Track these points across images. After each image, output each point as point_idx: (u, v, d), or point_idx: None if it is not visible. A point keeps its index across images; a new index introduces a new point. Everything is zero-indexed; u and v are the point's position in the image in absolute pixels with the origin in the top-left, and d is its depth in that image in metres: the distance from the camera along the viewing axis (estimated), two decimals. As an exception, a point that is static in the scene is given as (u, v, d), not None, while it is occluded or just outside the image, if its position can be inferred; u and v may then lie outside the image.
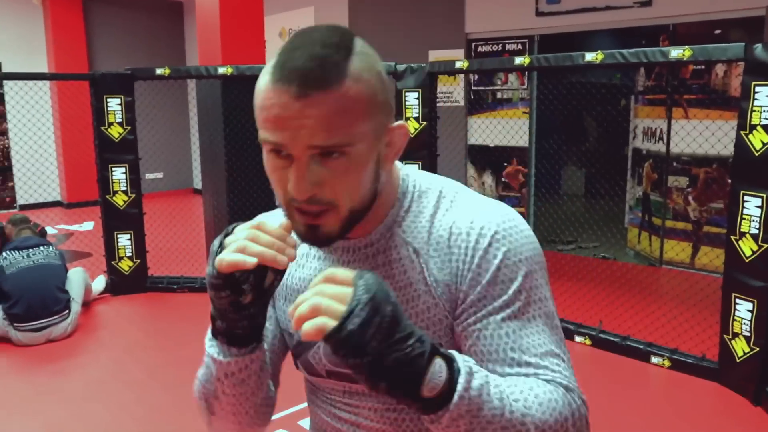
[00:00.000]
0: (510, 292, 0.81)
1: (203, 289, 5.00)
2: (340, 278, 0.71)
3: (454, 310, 0.84)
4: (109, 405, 3.26)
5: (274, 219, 0.93)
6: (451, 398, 0.70)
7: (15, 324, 3.91)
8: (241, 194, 5.28)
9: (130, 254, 4.95)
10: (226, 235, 0.79)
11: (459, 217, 0.85)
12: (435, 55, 6.30)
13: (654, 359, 3.58)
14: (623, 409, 3.13)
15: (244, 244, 0.75)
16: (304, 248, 0.94)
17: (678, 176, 5.32)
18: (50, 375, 3.62)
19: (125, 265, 4.95)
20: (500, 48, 6.32)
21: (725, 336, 3.27)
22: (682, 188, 5.31)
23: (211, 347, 0.87)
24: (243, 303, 0.78)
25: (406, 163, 0.94)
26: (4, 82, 8.29)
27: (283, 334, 1.00)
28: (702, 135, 4.28)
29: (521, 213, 6.30)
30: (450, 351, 0.74)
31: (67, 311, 4.08)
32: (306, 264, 0.94)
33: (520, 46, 6.20)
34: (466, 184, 4.38)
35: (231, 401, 0.88)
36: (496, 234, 0.82)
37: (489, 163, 6.56)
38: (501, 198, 6.43)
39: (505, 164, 6.42)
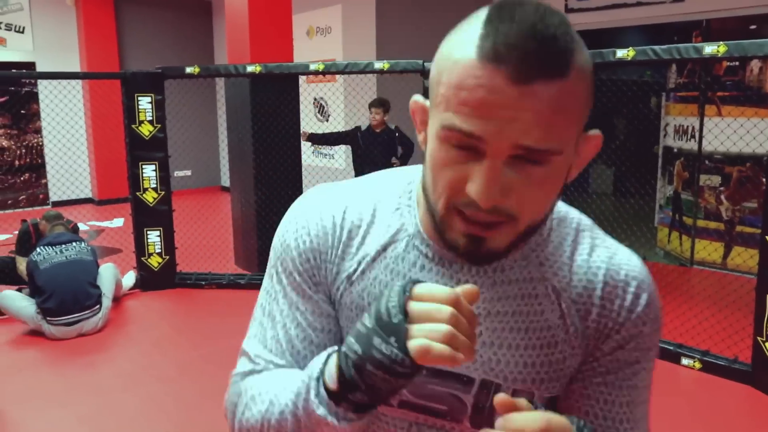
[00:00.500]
0: (644, 360, 0.76)
1: (230, 286, 5.04)
2: (558, 428, 0.60)
3: (582, 363, 0.77)
4: (138, 397, 3.31)
5: (355, 204, 0.79)
6: None
7: (48, 318, 3.99)
8: (268, 192, 5.32)
9: (160, 251, 5.01)
10: (406, 297, 0.61)
11: (610, 264, 0.75)
12: (462, 53, 6.27)
13: (684, 361, 3.52)
14: (652, 411, 3.07)
15: (453, 332, 0.58)
16: (398, 248, 0.76)
17: (710, 175, 5.22)
18: (81, 368, 3.69)
19: (155, 261, 5.02)
20: (528, 45, 6.26)
21: (759, 338, 3.20)
22: (715, 187, 5.21)
23: (319, 407, 0.66)
24: (402, 385, 0.63)
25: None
26: (39, 81, 8.47)
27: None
28: (736, 133, 4.18)
29: (549, 212, 6.26)
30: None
31: (98, 306, 4.15)
32: (402, 271, 0.76)
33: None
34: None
35: None
36: (650, 296, 0.75)
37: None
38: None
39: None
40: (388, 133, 5.52)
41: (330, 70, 4.85)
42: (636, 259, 0.78)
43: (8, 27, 8.54)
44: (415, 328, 0.59)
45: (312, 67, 4.75)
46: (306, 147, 5.75)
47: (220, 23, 9.71)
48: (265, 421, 0.74)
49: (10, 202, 8.75)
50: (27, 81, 8.60)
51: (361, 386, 0.63)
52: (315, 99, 8.22)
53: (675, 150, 5.59)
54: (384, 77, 6.54)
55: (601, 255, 0.76)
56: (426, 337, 0.58)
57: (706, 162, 5.22)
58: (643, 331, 0.74)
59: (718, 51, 3.22)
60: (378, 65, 4.59)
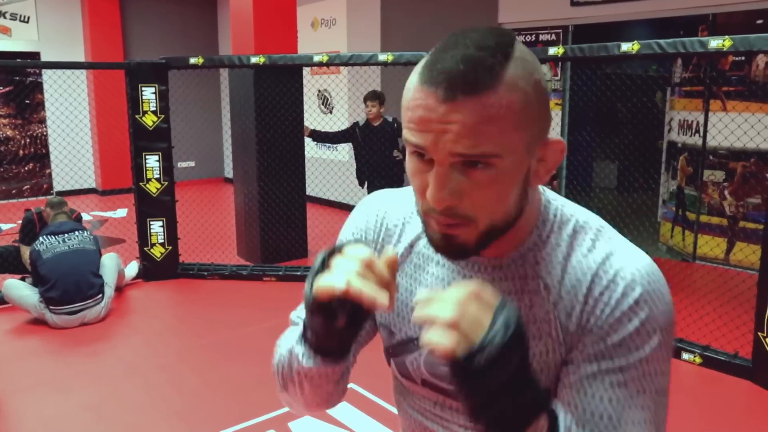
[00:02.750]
0: (632, 359, 0.76)
1: (233, 276, 5.06)
2: (485, 299, 0.67)
3: (566, 357, 0.80)
4: (140, 386, 3.33)
5: (397, 208, 0.93)
6: None
7: (51, 307, 4.01)
8: (271, 183, 5.33)
9: (162, 241, 5.03)
10: (331, 254, 0.75)
11: (602, 264, 0.78)
12: (467, 46, 6.25)
13: (685, 356, 3.52)
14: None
15: (350, 276, 0.70)
16: (420, 246, 0.89)
17: (714, 170, 5.21)
18: (84, 357, 3.71)
19: (157, 252, 5.04)
20: (534, 38, 6.25)
21: (760, 334, 3.20)
22: (718, 182, 5.19)
23: (297, 345, 0.84)
24: (335, 327, 0.76)
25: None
26: (43, 71, 8.48)
27: (376, 327, 0.96)
28: (741, 128, 4.17)
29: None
30: (554, 408, 0.73)
31: (100, 296, 4.17)
32: (422, 265, 0.89)
33: (554, 37, 6.12)
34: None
35: (305, 393, 0.88)
36: (642, 296, 0.76)
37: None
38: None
39: (537, 156, 6.34)
40: (387, 126, 5.49)
41: (334, 62, 4.85)
42: (638, 262, 0.78)
43: (13, 17, 8.54)
44: (325, 273, 0.73)
45: (316, 58, 4.74)
46: (309, 139, 5.73)
47: (225, 14, 9.69)
48: (280, 363, 0.91)
49: (14, 191, 8.78)
50: (32, 71, 8.61)
51: (307, 325, 0.80)
52: (319, 91, 8.21)
53: (679, 145, 5.57)
54: (388, 69, 6.53)
55: (596, 255, 0.79)
56: (326, 278, 0.72)
57: (710, 157, 5.21)
58: (628, 329, 0.75)
59: (723, 45, 3.20)
60: (382, 57, 4.58)
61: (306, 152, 5.64)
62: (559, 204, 0.84)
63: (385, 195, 0.98)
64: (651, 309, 0.76)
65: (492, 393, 0.66)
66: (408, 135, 0.72)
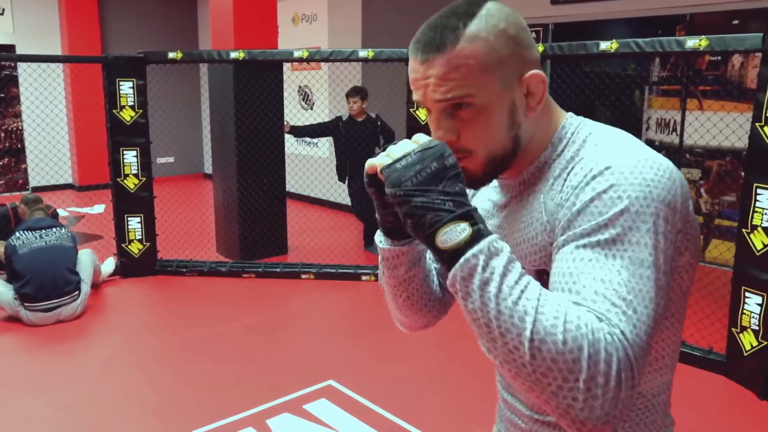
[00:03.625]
0: (594, 222, 0.77)
1: (212, 273, 5.03)
2: (418, 140, 0.82)
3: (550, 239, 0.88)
4: (116, 384, 3.29)
5: None
6: (458, 258, 0.74)
7: (26, 304, 3.95)
8: (251, 179, 5.29)
9: (140, 237, 4.98)
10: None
11: (590, 154, 0.85)
12: (448, 43, 6.25)
13: (661, 351, 3.56)
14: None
15: (395, 150, 0.82)
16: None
17: (690, 168, 5.27)
18: (59, 355, 3.66)
19: (135, 248, 4.98)
20: (514, 36, 6.27)
21: (733, 329, 3.25)
22: (695, 180, 5.26)
23: (378, 234, 0.98)
24: (387, 201, 0.88)
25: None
26: (19, 64, 8.33)
27: None
28: (716, 126, 4.22)
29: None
30: (491, 233, 0.77)
31: (77, 292, 4.11)
32: (485, 191, 1.05)
33: (534, 35, 6.12)
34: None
35: (390, 283, 1.00)
36: (611, 168, 0.79)
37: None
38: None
39: (517, 154, 6.38)
40: (370, 122, 5.49)
41: (314, 58, 4.82)
42: (630, 154, 0.81)
43: (-13, 8, 8.38)
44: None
45: (296, 54, 4.72)
46: (289, 135, 5.71)
47: (205, 9, 9.60)
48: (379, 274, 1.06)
49: (-12, 186, 8.63)
50: (7, 64, 8.45)
51: (376, 206, 0.93)
52: (299, 87, 8.17)
53: (657, 143, 5.63)
54: (369, 66, 6.52)
55: (595, 152, 0.85)
56: (371, 159, 0.86)
57: (687, 155, 5.27)
58: (590, 194, 0.79)
59: (699, 45, 3.24)
60: (363, 53, 4.57)
61: (286, 148, 5.61)
62: (581, 125, 0.92)
63: None
64: (621, 178, 0.78)
65: (409, 191, 0.77)
66: (413, 94, 0.90)
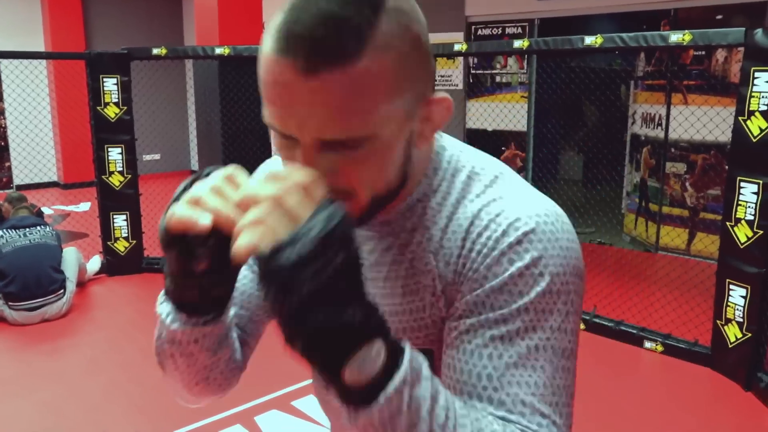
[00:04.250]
0: (514, 306, 0.64)
1: (199, 271, 5.00)
2: (312, 193, 0.56)
3: (447, 313, 0.69)
4: (103, 384, 3.27)
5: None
6: (376, 396, 0.54)
7: (10, 303, 3.91)
8: (237, 176, 5.27)
9: (126, 235, 4.94)
10: (195, 181, 0.63)
11: (487, 205, 0.68)
12: (434, 38, 6.22)
13: (647, 344, 3.59)
14: (616, 393, 3.14)
15: (204, 198, 0.59)
16: None
17: (676, 162, 5.31)
18: (45, 354, 3.63)
19: (121, 246, 4.95)
20: (500, 31, 6.28)
21: (718, 321, 3.28)
22: (680, 174, 5.30)
23: (161, 304, 0.71)
24: (194, 270, 0.62)
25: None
26: (0, 61, 8.23)
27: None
28: (700, 121, 4.26)
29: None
30: (405, 343, 0.58)
31: (62, 291, 4.08)
32: None
33: (520, 30, 6.16)
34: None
35: (179, 368, 0.74)
36: (528, 235, 0.65)
37: (487, 148, 6.47)
38: (498, 182, 6.42)
39: (503, 149, 6.40)
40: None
41: (300, 54, 4.80)
42: (533, 204, 0.68)
43: (-32, 4, 8.27)
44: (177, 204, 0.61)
45: (282, 50, 4.70)
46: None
47: (190, 4, 9.52)
48: (156, 335, 0.76)
49: (-29, 185, 8.53)
50: (-12, 61, 8.35)
51: (165, 270, 0.66)
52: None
53: (642, 137, 5.67)
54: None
55: (484, 198, 0.69)
56: (178, 205, 0.61)
57: (672, 150, 5.31)
58: (509, 270, 0.64)
59: (683, 39, 3.26)
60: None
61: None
62: (456, 151, 0.75)
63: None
64: (539, 250, 0.64)
65: (302, 301, 0.52)
66: (268, 117, 0.62)
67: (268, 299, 0.54)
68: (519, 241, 0.64)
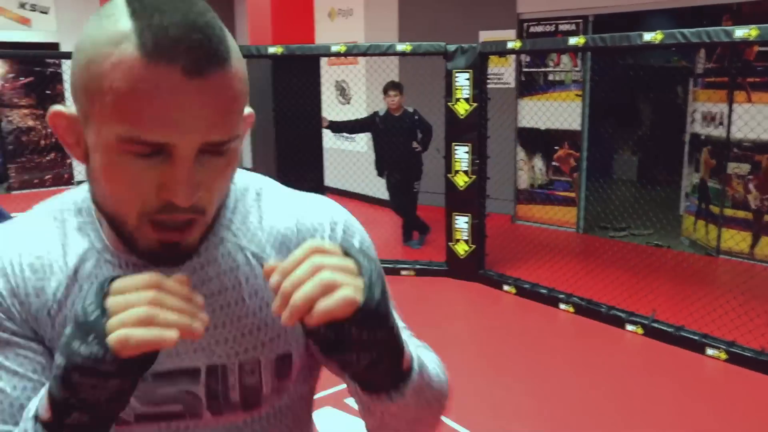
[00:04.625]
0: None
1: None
2: (329, 248, 0.58)
3: None
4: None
5: (28, 243, 0.71)
6: (411, 370, 0.67)
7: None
8: (290, 173, 5.32)
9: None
10: (104, 294, 0.56)
11: (298, 212, 0.78)
12: (486, 36, 6.18)
13: (710, 351, 3.46)
14: (675, 401, 3.04)
15: (153, 313, 0.54)
16: (88, 267, 0.70)
17: (739, 163, 5.11)
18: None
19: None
20: (553, 28, 6.16)
21: (787, 329, 3.14)
22: (743, 175, 5.10)
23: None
24: (128, 390, 0.57)
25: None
26: (63, 61, 8.53)
27: None
28: (767, 119, 4.08)
29: (572, 198, 6.19)
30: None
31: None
32: (87, 257, 0.71)
33: (573, 27, 6.02)
34: (515, 168, 4.30)
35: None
36: (346, 223, 0.81)
37: (540, 147, 6.42)
38: (551, 182, 6.32)
39: (556, 148, 6.28)
40: (407, 117, 5.47)
41: (352, 52, 4.82)
42: (325, 201, 0.83)
43: (32, 7, 8.60)
44: (112, 320, 0.54)
45: (333, 49, 4.72)
46: (327, 130, 5.73)
47: (242, 4, 9.68)
48: None
49: (36, 181, 8.86)
50: (52, 61, 8.66)
51: (75, 402, 0.56)
52: (336, 82, 8.18)
53: (702, 137, 5.48)
54: (406, 60, 6.49)
55: (288, 208, 0.78)
56: (123, 325, 0.53)
57: (735, 150, 5.11)
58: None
59: (749, 35, 3.13)
60: (400, 47, 4.55)
61: (324, 143, 5.63)
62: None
63: (7, 232, 0.73)
64: (359, 232, 0.83)
65: (392, 323, 0.60)
66: (136, 132, 0.56)
67: (349, 353, 0.58)
68: (344, 232, 0.81)
